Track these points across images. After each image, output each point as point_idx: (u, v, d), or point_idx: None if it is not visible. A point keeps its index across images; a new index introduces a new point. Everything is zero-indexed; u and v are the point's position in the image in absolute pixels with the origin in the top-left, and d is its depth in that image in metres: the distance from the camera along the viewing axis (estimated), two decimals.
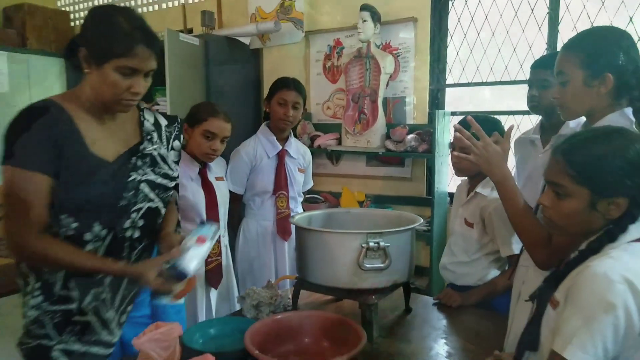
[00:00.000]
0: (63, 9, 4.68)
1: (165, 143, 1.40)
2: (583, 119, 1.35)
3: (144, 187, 1.31)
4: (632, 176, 0.93)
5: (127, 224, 1.28)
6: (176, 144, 1.45)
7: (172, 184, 1.41)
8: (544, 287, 1.04)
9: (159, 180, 1.35)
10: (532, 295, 1.09)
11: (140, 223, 1.31)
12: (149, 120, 1.39)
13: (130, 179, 1.27)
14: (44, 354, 1.24)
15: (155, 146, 1.36)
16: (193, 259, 1.25)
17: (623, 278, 0.86)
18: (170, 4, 3.99)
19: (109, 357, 1.33)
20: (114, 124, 1.29)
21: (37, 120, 1.16)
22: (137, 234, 1.32)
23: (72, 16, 4.64)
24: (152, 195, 1.33)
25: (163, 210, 1.40)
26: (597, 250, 0.95)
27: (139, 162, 1.31)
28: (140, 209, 1.30)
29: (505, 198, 1.27)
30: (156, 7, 4.06)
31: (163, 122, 1.43)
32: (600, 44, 1.24)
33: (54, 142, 1.16)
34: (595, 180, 0.95)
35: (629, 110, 1.23)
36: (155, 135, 1.38)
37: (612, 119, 1.21)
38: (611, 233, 0.95)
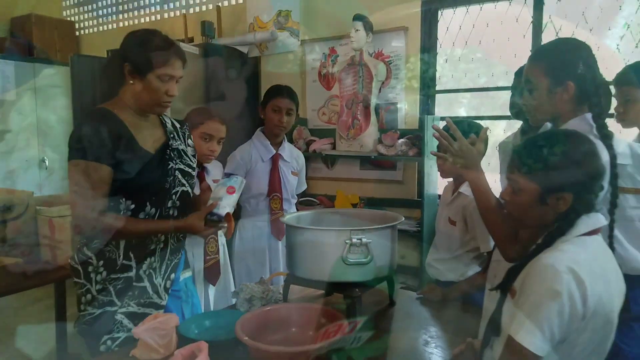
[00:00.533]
0: (68, 19, 4.82)
1: (183, 140, 1.66)
2: None
3: (178, 174, 1.58)
4: (575, 174, 1.03)
5: (170, 204, 1.56)
6: (189, 141, 1.71)
7: (194, 172, 1.68)
8: (506, 278, 1.14)
9: (186, 169, 1.62)
10: (497, 286, 1.19)
11: (178, 204, 1.58)
12: (167, 122, 1.64)
13: (169, 166, 1.54)
14: (109, 318, 1.47)
15: (178, 142, 1.62)
16: (227, 207, 1.56)
17: (568, 269, 0.96)
18: (172, 14, 4.12)
19: None
20: (147, 125, 1.56)
21: (96, 123, 1.42)
22: (175, 213, 1.58)
23: (77, 26, 4.77)
24: (183, 180, 1.60)
25: (191, 195, 1.65)
26: (550, 243, 1.05)
27: (172, 154, 1.57)
28: (177, 192, 1.58)
29: (478, 195, 1.36)
30: (158, 16, 4.19)
31: (176, 124, 1.69)
32: (562, 54, 1.35)
33: (111, 139, 1.42)
34: (542, 177, 1.05)
35: (589, 116, 1.33)
36: (175, 134, 1.64)
37: (574, 124, 1.32)
38: (561, 228, 1.05)
